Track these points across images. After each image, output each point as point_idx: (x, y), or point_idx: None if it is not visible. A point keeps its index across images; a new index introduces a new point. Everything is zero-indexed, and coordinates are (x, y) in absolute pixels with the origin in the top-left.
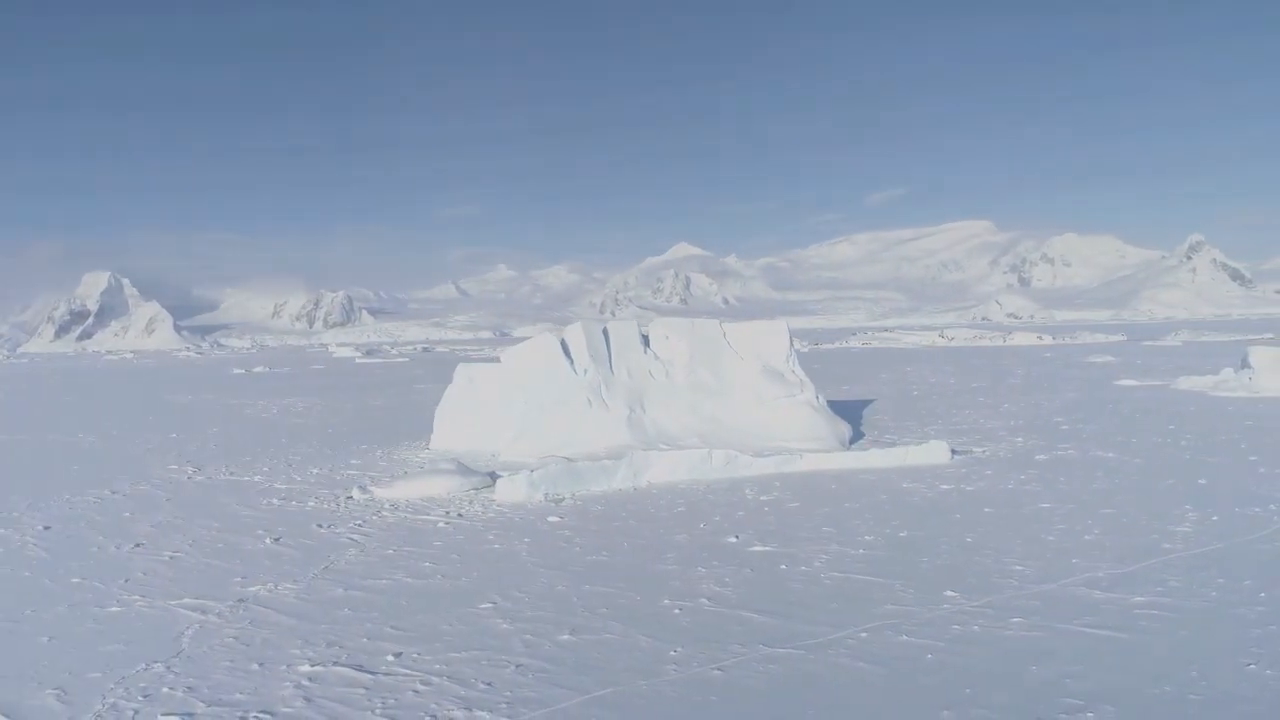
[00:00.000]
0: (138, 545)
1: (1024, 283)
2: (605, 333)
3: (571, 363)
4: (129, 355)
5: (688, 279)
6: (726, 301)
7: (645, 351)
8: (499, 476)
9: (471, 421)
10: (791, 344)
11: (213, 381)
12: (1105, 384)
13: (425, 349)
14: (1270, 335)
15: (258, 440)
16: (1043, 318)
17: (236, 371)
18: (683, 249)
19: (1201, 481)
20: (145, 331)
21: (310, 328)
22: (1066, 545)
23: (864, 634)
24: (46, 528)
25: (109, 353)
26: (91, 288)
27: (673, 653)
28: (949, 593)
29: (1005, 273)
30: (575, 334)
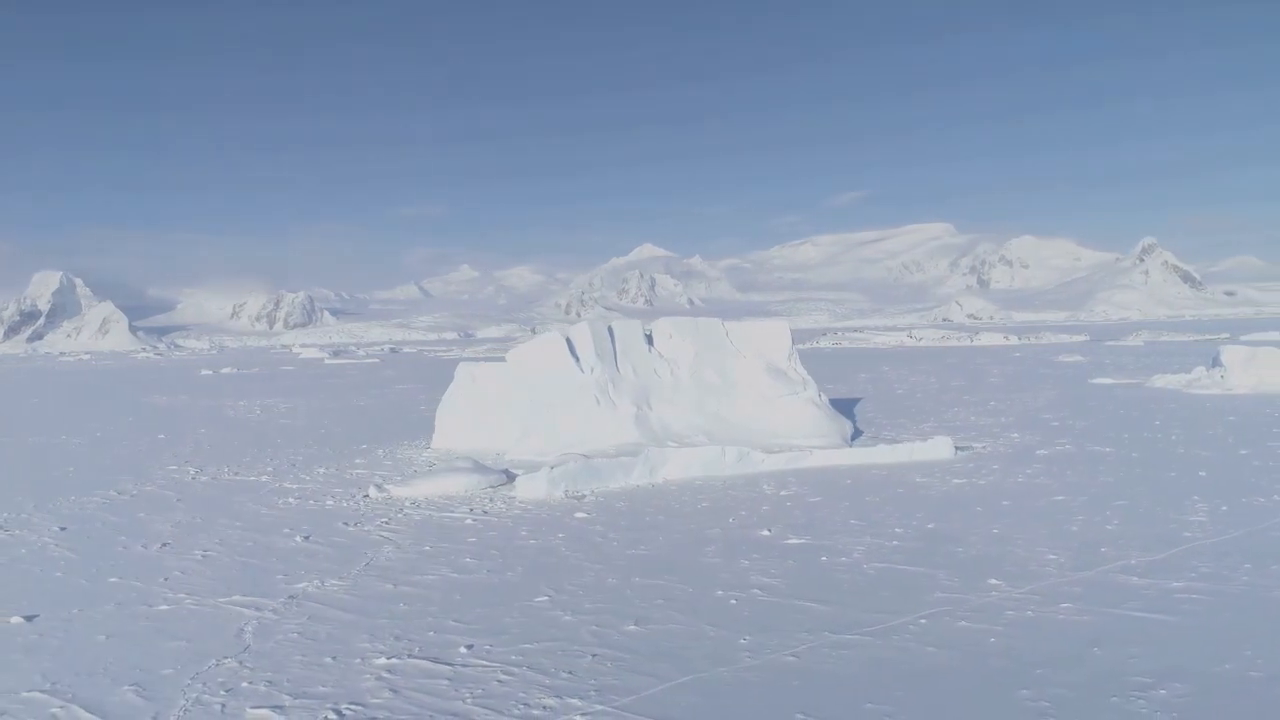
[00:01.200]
0: (164, 545)
1: (983, 284)
2: (611, 331)
3: (578, 361)
4: (85, 356)
5: (653, 280)
6: (691, 302)
7: (650, 350)
8: (514, 474)
9: (474, 421)
10: (792, 343)
11: (182, 383)
12: (1081, 382)
13: (393, 349)
14: (1226, 335)
15: (251, 441)
16: (1002, 318)
17: (204, 372)
18: (647, 250)
19: (1202, 474)
20: (99, 332)
21: (270, 329)
22: (1091, 535)
23: (924, 620)
24: (63, 529)
25: (63, 354)
26: (42, 287)
27: (742, 641)
28: (993, 581)
29: (965, 274)
30: (582, 333)
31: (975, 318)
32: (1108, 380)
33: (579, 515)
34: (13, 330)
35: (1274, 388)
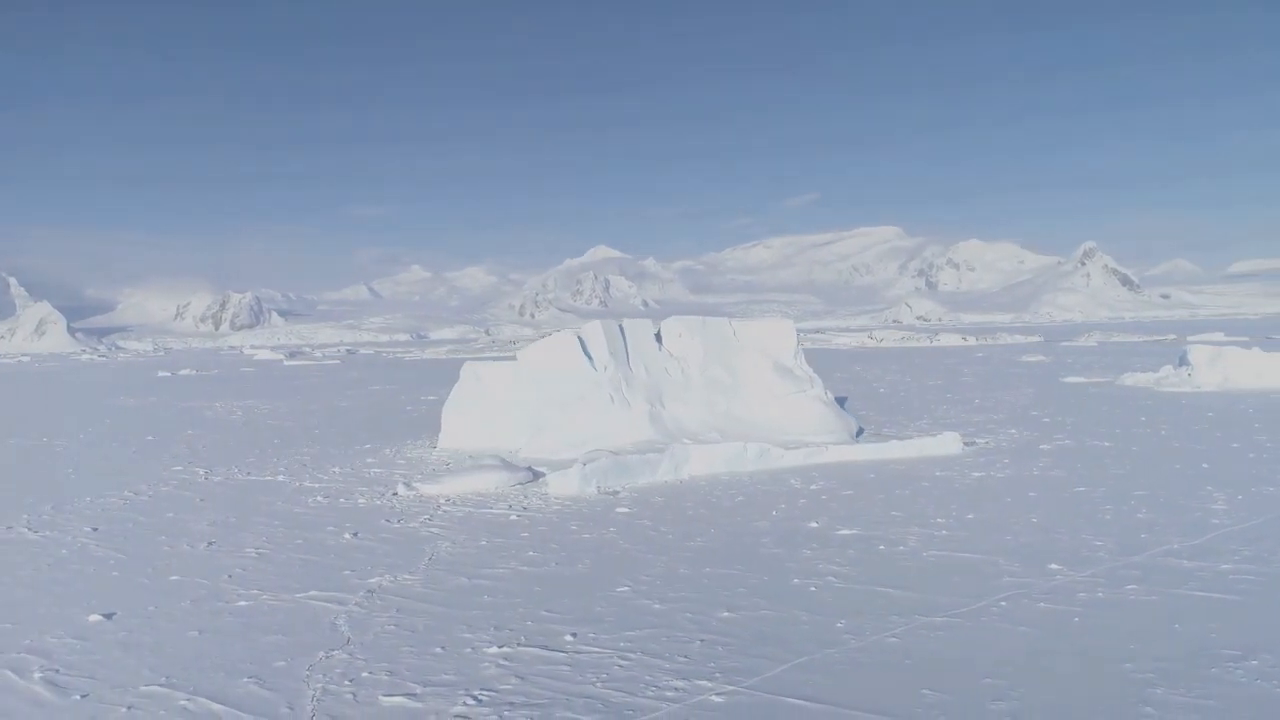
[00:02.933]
0: (210, 544)
1: (931, 286)
2: (622, 330)
3: (591, 360)
4: (23, 359)
5: (607, 281)
6: (646, 304)
7: (660, 349)
8: (540, 472)
9: (481, 420)
10: (798, 341)
11: (141, 385)
12: (1053, 381)
13: (350, 351)
14: (1173, 336)
15: (247, 442)
16: (951, 320)
17: (162, 374)
18: (601, 251)
19: (1205, 466)
20: (35, 333)
21: (216, 330)
22: (1126, 523)
23: (1004, 603)
24: (95, 529)
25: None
26: None
27: (838, 625)
28: (1053, 566)
29: (914, 277)
30: (594, 332)
31: (925, 319)
32: (1079, 379)
33: (620, 510)
34: None
35: (1239, 385)
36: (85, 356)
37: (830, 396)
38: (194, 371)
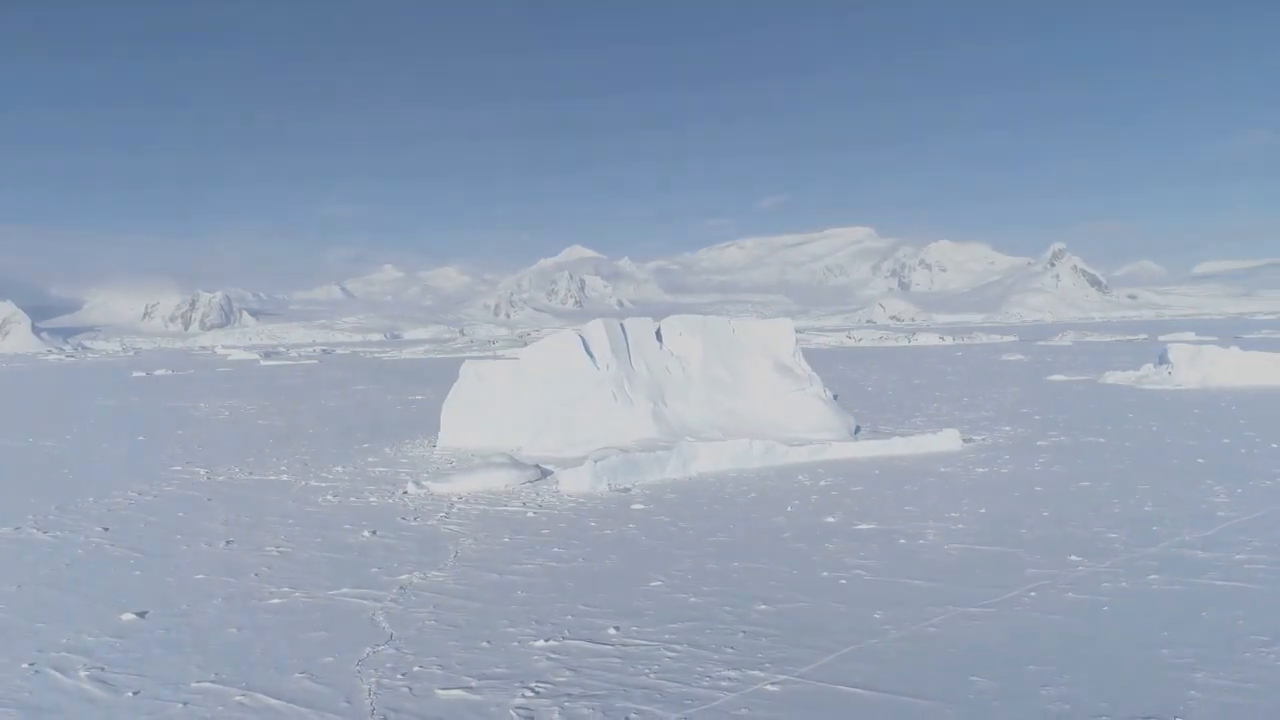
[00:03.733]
0: (229, 543)
1: (904, 287)
2: (623, 329)
3: (593, 359)
4: None
5: (582, 281)
6: (621, 304)
7: (660, 348)
8: (548, 470)
9: (482, 419)
10: (796, 340)
11: (117, 385)
12: (1037, 379)
13: (325, 351)
14: (1144, 336)
15: (242, 442)
16: (923, 320)
17: (136, 374)
18: (576, 251)
19: (1200, 461)
20: None
21: (186, 330)
22: (1136, 516)
23: (1033, 593)
24: (106, 529)
25: None
26: None
27: (876, 615)
28: (1073, 557)
29: (886, 277)
30: (596, 330)
31: (898, 319)
32: (1062, 377)
33: (636, 507)
34: None
35: (1217, 383)
36: (52, 357)
37: (829, 395)
38: (169, 371)
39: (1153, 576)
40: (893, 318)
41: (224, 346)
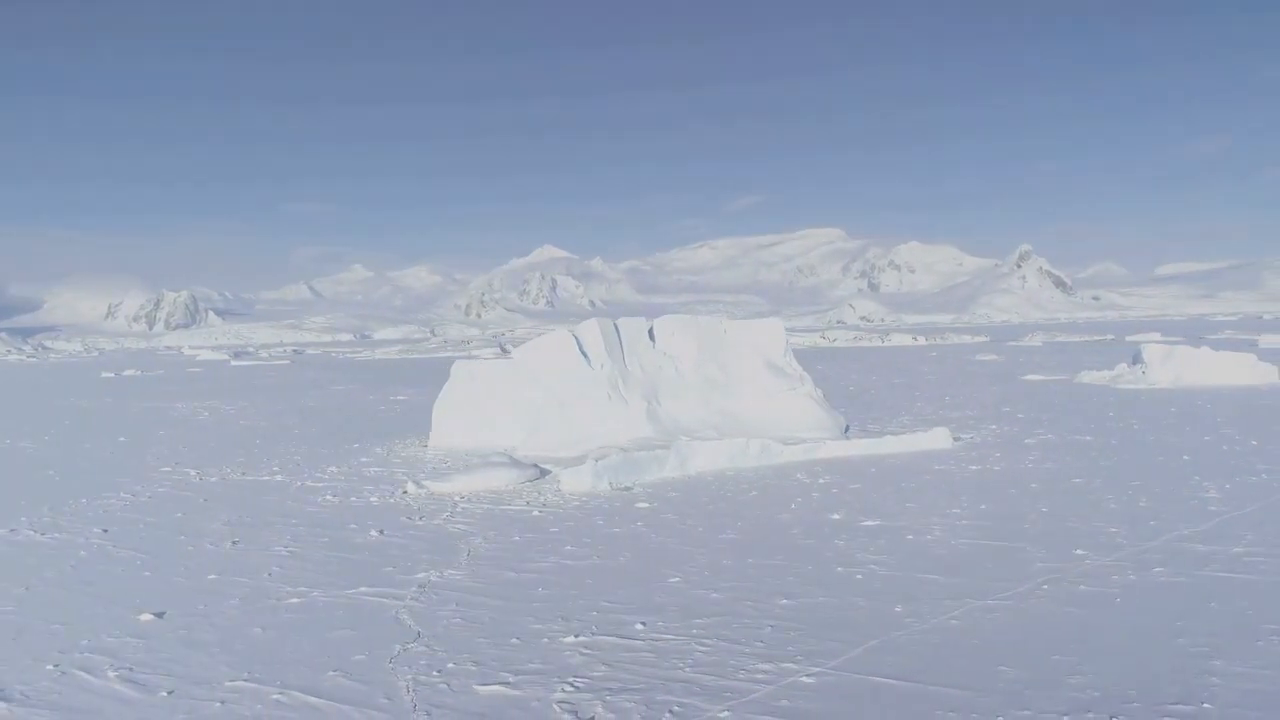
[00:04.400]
0: (235, 543)
1: (873, 288)
2: (617, 329)
3: (588, 359)
4: None
5: (554, 281)
6: (594, 304)
7: (653, 348)
8: (546, 469)
9: (475, 419)
10: (787, 340)
11: (87, 385)
12: (1014, 379)
13: (296, 351)
14: (1111, 336)
15: (228, 442)
16: (893, 320)
17: (105, 375)
18: (547, 251)
19: (1186, 458)
20: None
21: (150, 329)
22: (1132, 511)
23: (1045, 586)
24: (105, 530)
25: None
26: None
27: (896, 609)
28: (1078, 551)
29: (856, 278)
30: (591, 330)
31: (867, 320)
32: (1039, 377)
33: (640, 505)
34: None
35: (1190, 382)
36: (13, 357)
37: (819, 394)
38: (138, 372)
39: (1158, 569)
40: (863, 318)
41: (191, 347)
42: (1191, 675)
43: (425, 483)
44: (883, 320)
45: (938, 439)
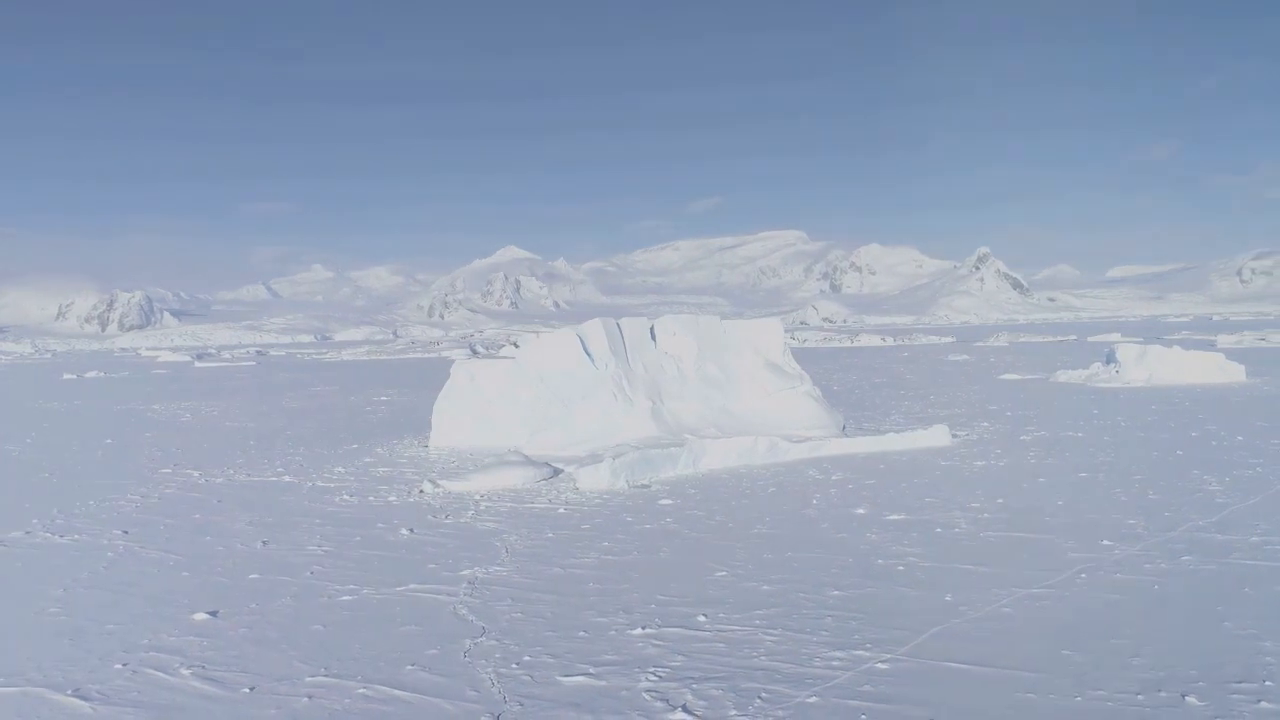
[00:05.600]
0: (265, 543)
1: (835, 289)
2: (620, 329)
3: (592, 358)
4: None
5: (518, 282)
6: (557, 305)
7: (655, 347)
8: (559, 468)
9: (474, 418)
10: (786, 340)
11: (52, 388)
12: (991, 378)
13: (260, 352)
14: (1074, 336)
15: (221, 444)
16: (854, 321)
17: (67, 376)
18: (511, 252)
19: (1180, 453)
20: None
21: (103, 330)
22: (1144, 504)
23: (1083, 575)
24: (125, 532)
25: None
26: None
27: (947, 598)
28: (1105, 542)
29: (818, 279)
30: (595, 330)
31: (830, 321)
32: (1015, 376)
33: (664, 502)
34: None
35: (1163, 380)
36: None
37: (818, 392)
38: (102, 374)
39: (1185, 558)
40: (826, 319)
41: (149, 348)
42: (1245, 655)
43: (441, 482)
44: (845, 321)
45: (937, 436)
